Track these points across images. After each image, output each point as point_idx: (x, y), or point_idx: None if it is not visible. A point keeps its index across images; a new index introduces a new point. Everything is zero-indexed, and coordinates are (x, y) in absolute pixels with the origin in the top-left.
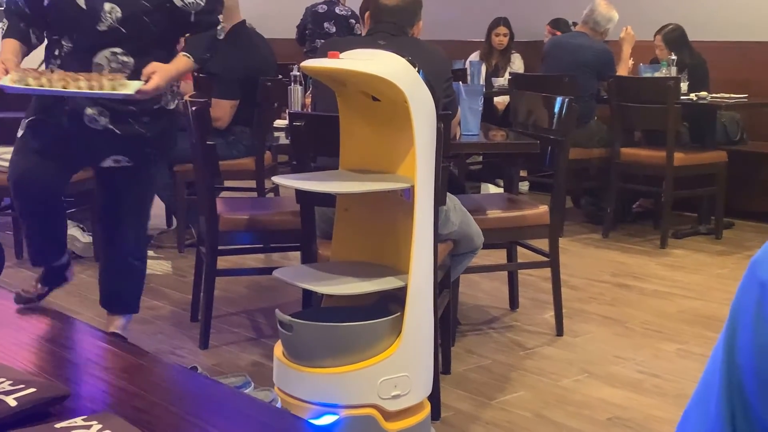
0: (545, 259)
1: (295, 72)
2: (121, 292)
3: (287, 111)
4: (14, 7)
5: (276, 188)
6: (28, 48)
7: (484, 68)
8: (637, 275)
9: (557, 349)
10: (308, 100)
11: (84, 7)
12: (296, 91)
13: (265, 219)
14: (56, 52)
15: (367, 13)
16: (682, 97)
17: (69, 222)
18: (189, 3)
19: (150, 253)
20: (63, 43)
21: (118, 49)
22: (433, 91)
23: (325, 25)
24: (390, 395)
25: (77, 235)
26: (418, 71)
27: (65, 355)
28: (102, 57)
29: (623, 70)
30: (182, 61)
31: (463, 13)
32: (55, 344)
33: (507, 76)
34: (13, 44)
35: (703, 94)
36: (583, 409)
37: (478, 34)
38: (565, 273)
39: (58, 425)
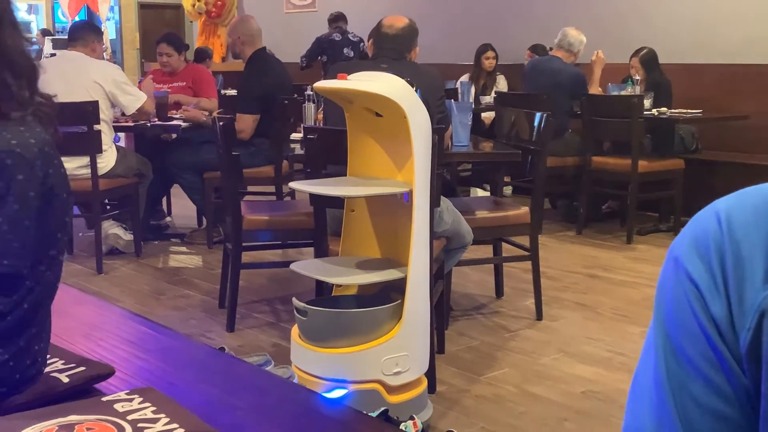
0: (526, 253)
1: (308, 91)
2: None
3: (302, 125)
4: None
5: (292, 192)
6: None
7: (473, 88)
8: (607, 267)
9: (537, 332)
10: (320, 116)
11: None
12: (310, 108)
13: (283, 219)
14: None
15: (370, 41)
16: (645, 113)
17: (112, 222)
18: None
19: (183, 248)
20: None
21: None
22: (428, 107)
23: (345, 50)
24: (392, 372)
25: (120, 233)
26: (416, 90)
27: (110, 338)
28: None
29: (594, 89)
30: None
31: (452, 40)
32: (102, 329)
33: (493, 94)
34: None
35: (664, 109)
36: (559, 384)
37: (465, 58)
38: (544, 265)
39: (104, 398)
